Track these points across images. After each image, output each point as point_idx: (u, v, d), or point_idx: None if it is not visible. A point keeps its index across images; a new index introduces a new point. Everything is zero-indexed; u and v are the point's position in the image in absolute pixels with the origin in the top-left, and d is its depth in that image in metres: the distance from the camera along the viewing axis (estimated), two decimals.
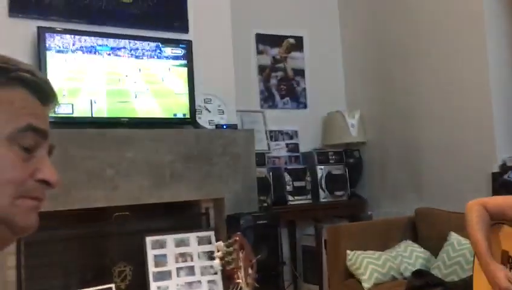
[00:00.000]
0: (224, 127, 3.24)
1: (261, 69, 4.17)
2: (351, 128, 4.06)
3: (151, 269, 2.80)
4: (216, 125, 3.27)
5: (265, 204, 3.57)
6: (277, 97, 4.21)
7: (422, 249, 2.79)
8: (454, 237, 2.61)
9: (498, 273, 1.55)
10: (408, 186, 3.79)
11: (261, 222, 3.03)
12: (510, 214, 1.65)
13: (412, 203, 3.35)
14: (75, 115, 2.84)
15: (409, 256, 2.72)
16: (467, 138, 3.35)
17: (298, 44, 4.31)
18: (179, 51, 3.19)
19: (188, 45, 3.22)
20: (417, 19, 3.70)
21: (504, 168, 3.20)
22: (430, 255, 2.75)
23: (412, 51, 3.74)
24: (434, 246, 2.72)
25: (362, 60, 4.27)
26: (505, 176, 3.16)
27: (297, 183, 3.84)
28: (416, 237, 2.97)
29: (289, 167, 3.94)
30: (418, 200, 3.47)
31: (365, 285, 2.58)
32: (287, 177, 3.81)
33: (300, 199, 3.85)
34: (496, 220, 1.69)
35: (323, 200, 3.91)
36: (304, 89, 4.31)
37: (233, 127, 3.28)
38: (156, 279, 2.79)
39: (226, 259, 1.16)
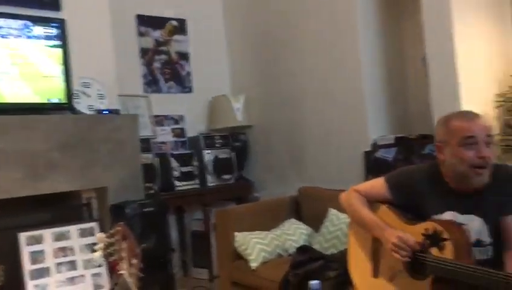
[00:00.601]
0: (106, 112, 3.08)
1: (144, 52, 4.03)
2: (237, 112, 4.11)
3: (27, 266, 2.59)
4: (97, 110, 3.09)
5: (152, 191, 3.49)
6: (161, 81, 4.11)
7: (305, 226, 2.94)
8: (333, 212, 2.78)
9: (394, 232, 1.60)
10: (291, 167, 3.96)
11: (148, 209, 2.95)
12: (379, 193, 1.76)
13: (296, 183, 3.50)
14: None
15: (293, 233, 2.85)
16: (343, 121, 3.57)
17: (181, 27, 4.23)
18: (52, 31, 2.95)
19: (61, 25, 2.99)
20: (298, 6, 3.83)
21: (375, 147, 3.48)
22: (312, 231, 2.90)
23: (293, 38, 3.87)
24: (316, 222, 2.88)
25: (246, 44, 4.32)
26: (376, 154, 3.44)
27: (184, 169, 3.81)
28: (300, 215, 3.12)
29: (176, 153, 3.88)
30: (301, 180, 3.64)
31: (252, 264, 2.65)
32: (174, 163, 3.76)
33: (188, 184, 3.83)
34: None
35: (211, 184, 3.93)
36: (189, 73, 4.26)
37: (115, 112, 3.13)
38: (32, 277, 2.59)
39: (108, 250, 1.10)
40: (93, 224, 2.88)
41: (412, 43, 3.61)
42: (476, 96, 3.24)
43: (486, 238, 1.55)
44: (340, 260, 2.07)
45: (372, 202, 1.80)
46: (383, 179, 1.78)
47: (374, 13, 3.57)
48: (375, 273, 1.73)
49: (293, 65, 3.88)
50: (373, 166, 3.36)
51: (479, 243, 1.55)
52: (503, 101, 3.39)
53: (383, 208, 1.76)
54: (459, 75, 3.12)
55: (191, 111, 4.21)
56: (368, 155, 3.48)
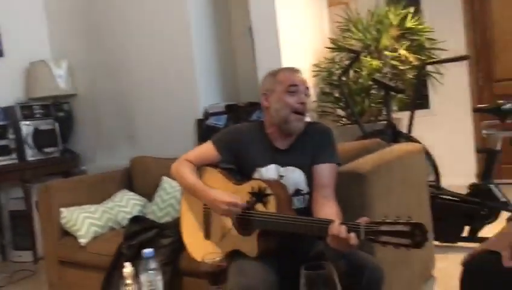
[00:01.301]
0: None
1: None
2: (59, 79, 3.77)
3: None
4: None
5: None
6: None
7: (138, 197, 2.86)
8: (166, 181, 2.76)
9: (219, 194, 1.65)
10: (122, 137, 3.81)
11: None
12: (209, 156, 1.81)
13: (127, 154, 3.38)
14: None
15: (126, 205, 2.76)
16: (174, 89, 3.55)
17: None
18: None
19: None
20: None
21: (206, 115, 3.55)
22: (146, 201, 2.85)
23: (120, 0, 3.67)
24: (149, 192, 2.82)
25: (67, 4, 3.95)
26: (207, 122, 3.51)
27: None
28: (133, 186, 3.03)
29: None
30: (133, 150, 3.53)
31: (82, 240, 2.50)
32: None
33: (3, 160, 3.43)
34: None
35: (31, 158, 3.58)
36: None
37: None
38: None
39: None
40: None
41: (239, 13, 3.72)
42: (296, 65, 3.50)
43: (304, 188, 1.72)
44: (174, 227, 2.07)
45: (202, 167, 1.83)
46: (210, 141, 1.83)
47: None
48: (207, 236, 1.78)
49: (120, 29, 3.69)
50: (205, 133, 3.42)
51: (298, 193, 1.71)
52: (319, 70, 3.74)
53: (213, 172, 1.80)
54: (281, 46, 3.33)
55: (3, 77, 3.73)
56: (200, 123, 3.53)
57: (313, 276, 0.98)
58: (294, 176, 1.71)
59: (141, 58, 3.64)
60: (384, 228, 1.27)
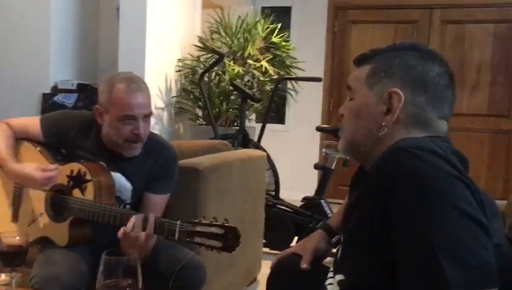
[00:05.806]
0: None
1: None
2: None
3: None
4: None
5: None
6: None
7: None
8: None
9: (27, 169, 1.50)
10: None
11: None
12: (32, 132, 1.63)
13: None
14: None
15: None
16: (22, 58, 3.28)
17: None
18: None
19: None
20: None
21: (55, 90, 3.29)
22: None
23: None
24: None
25: None
26: (55, 98, 3.24)
27: None
28: None
29: None
30: None
31: None
32: None
33: None
34: (21, 138, 1.64)
35: None
36: None
37: None
38: None
39: None
40: None
41: None
42: (160, 57, 3.42)
43: (127, 198, 1.60)
44: None
45: (23, 139, 1.64)
46: (39, 119, 1.64)
47: None
48: (15, 218, 1.60)
49: None
50: (50, 110, 3.16)
51: (118, 199, 1.57)
52: (183, 67, 3.70)
53: (29, 147, 1.62)
54: (147, 32, 3.23)
55: None
56: (46, 98, 3.26)
57: (112, 262, 0.91)
58: (120, 182, 1.57)
59: None
60: (199, 228, 1.23)
